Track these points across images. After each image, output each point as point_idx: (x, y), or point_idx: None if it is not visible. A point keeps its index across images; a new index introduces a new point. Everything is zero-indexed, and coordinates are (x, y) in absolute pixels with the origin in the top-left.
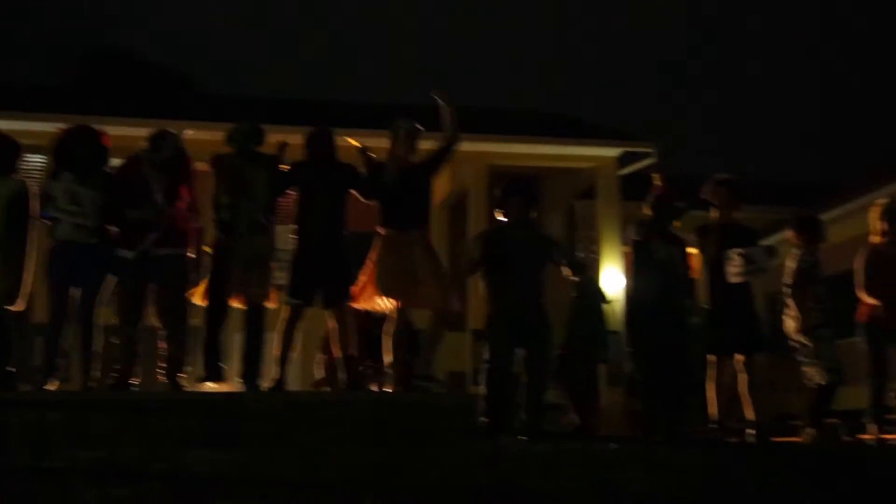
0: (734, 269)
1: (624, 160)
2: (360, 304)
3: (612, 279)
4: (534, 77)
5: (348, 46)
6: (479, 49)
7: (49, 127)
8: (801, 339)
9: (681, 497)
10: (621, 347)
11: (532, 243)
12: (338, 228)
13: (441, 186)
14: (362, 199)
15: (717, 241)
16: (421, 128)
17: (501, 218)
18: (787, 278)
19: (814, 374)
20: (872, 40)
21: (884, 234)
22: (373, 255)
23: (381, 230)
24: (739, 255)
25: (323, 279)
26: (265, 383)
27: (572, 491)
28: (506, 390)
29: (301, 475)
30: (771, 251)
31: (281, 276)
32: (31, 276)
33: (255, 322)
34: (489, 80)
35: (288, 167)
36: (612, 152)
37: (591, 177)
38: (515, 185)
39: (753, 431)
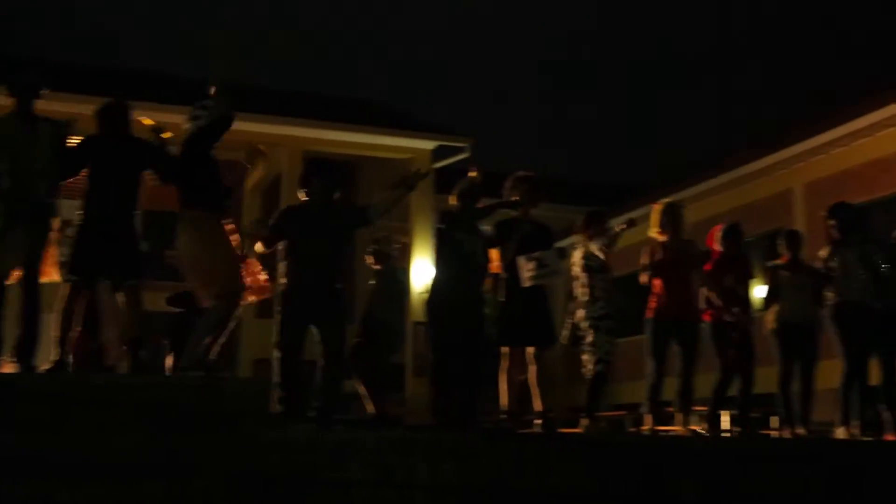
0: (527, 272)
1: (439, 153)
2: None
3: (423, 270)
4: (354, 63)
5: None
6: (301, 32)
7: None
8: (585, 329)
9: (469, 484)
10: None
11: (331, 225)
12: (129, 207)
13: (255, 171)
14: (160, 180)
15: (514, 239)
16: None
17: (304, 198)
18: (576, 269)
19: (588, 364)
20: (679, 48)
21: (664, 232)
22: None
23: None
24: (531, 258)
25: (110, 258)
26: (43, 365)
27: (361, 479)
28: (297, 374)
29: (82, 460)
30: (562, 253)
31: (64, 253)
32: None
33: (30, 298)
34: (309, 64)
35: (77, 141)
36: (427, 145)
37: (406, 168)
38: (317, 166)
39: (540, 421)
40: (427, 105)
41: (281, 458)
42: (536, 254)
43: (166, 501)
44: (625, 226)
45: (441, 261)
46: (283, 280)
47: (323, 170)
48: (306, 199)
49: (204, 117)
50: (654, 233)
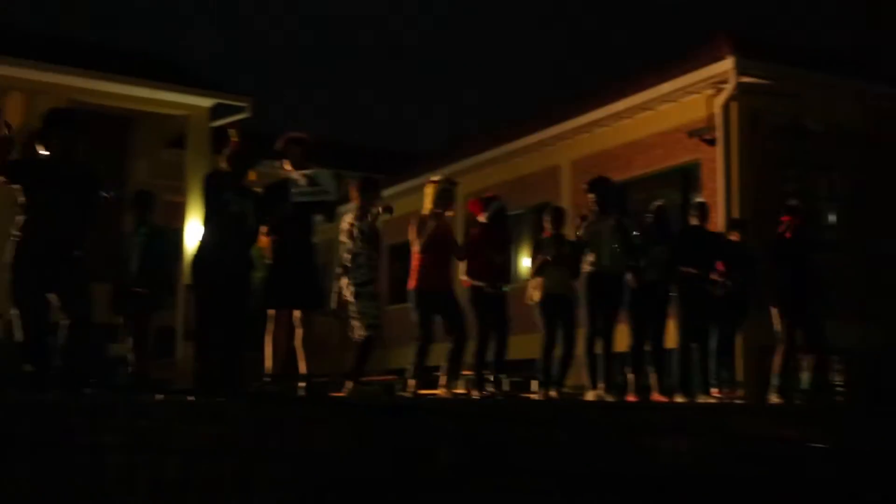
0: (296, 189)
1: (218, 112)
2: None
3: (195, 232)
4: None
5: None
6: None
7: None
8: (349, 295)
9: (226, 447)
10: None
11: (72, 181)
12: None
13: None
14: None
15: (283, 199)
16: None
17: (44, 152)
18: (343, 235)
19: (357, 329)
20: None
21: (434, 204)
22: None
23: None
24: (305, 175)
25: None
26: None
27: (116, 442)
28: (41, 334)
29: None
30: (338, 176)
31: None
32: None
33: None
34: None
35: None
36: (205, 102)
37: (182, 125)
38: (59, 115)
39: (304, 384)
40: (218, 67)
41: (30, 421)
42: (310, 171)
43: None
44: (381, 211)
45: (208, 222)
46: (16, 232)
47: (66, 119)
48: (45, 152)
49: None
50: (426, 209)
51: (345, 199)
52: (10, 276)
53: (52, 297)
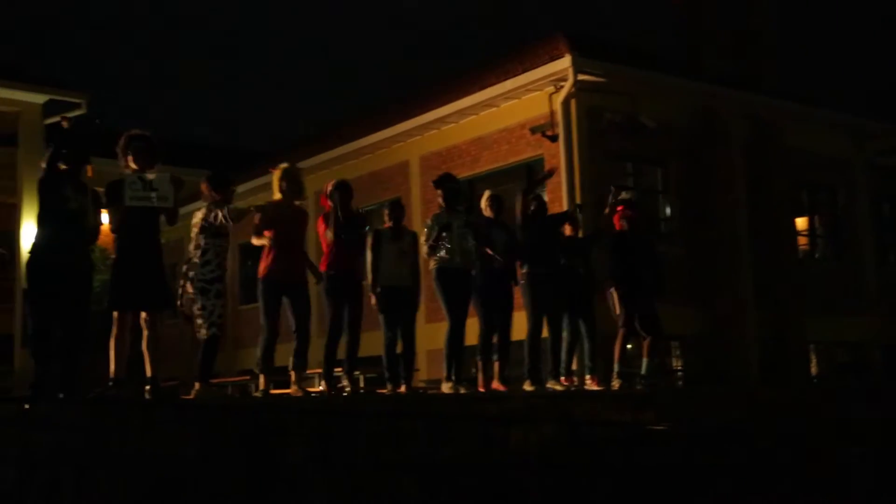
0: (131, 193)
1: (51, 109)
2: None
3: (31, 232)
4: None
5: None
6: None
7: None
8: (193, 291)
9: (65, 453)
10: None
11: None
12: None
13: None
14: None
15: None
16: None
17: None
18: (193, 231)
19: (200, 328)
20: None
21: (282, 192)
22: None
23: None
24: (141, 179)
25: None
26: None
27: None
28: None
29: None
30: (178, 181)
31: None
32: None
33: None
34: None
35: None
36: (38, 98)
37: (13, 122)
38: None
39: (149, 387)
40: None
41: None
42: (150, 175)
43: None
44: (251, 210)
45: (44, 220)
46: None
47: None
48: None
49: None
50: (275, 196)
51: (188, 200)
52: None
53: None
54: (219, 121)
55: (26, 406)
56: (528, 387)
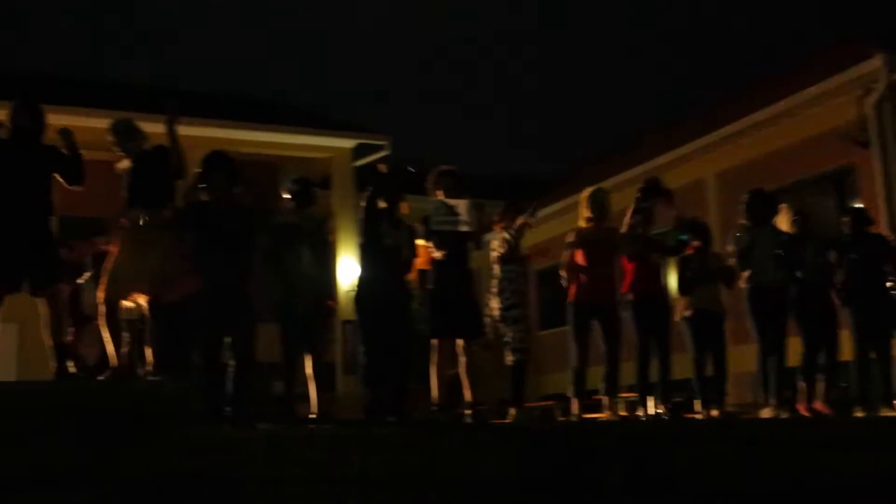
0: (436, 218)
1: (359, 152)
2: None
3: (348, 268)
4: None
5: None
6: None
7: None
8: (496, 319)
9: (400, 475)
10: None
11: (234, 220)
12: (42, 212)
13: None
14: (67, 185)
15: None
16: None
17: (204, 197)
18: (492, 259)
19: (508, 355)
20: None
21: (588, 219)
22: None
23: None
24: (445, 205)
25: (27, 265)
26: None
27: (295, 474)
28: (217, 376)
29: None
30: (479, 206)
31: None
32: None
33: None
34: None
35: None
36: (347, 143)
37: (327, 166)
38: (216, 158)
39: (470, 412)
40: (349, 107)
41: (209, 457)
42: (452, 201)
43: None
44: (526, 219)
45: (365, 256)
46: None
47: (223, 163)
48: (206, 195)
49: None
50: (581, 221)
51: (488, 228)
52: (194, 324)
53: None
54: (491, 150)
55: (361, 429)
56: (858, 412)
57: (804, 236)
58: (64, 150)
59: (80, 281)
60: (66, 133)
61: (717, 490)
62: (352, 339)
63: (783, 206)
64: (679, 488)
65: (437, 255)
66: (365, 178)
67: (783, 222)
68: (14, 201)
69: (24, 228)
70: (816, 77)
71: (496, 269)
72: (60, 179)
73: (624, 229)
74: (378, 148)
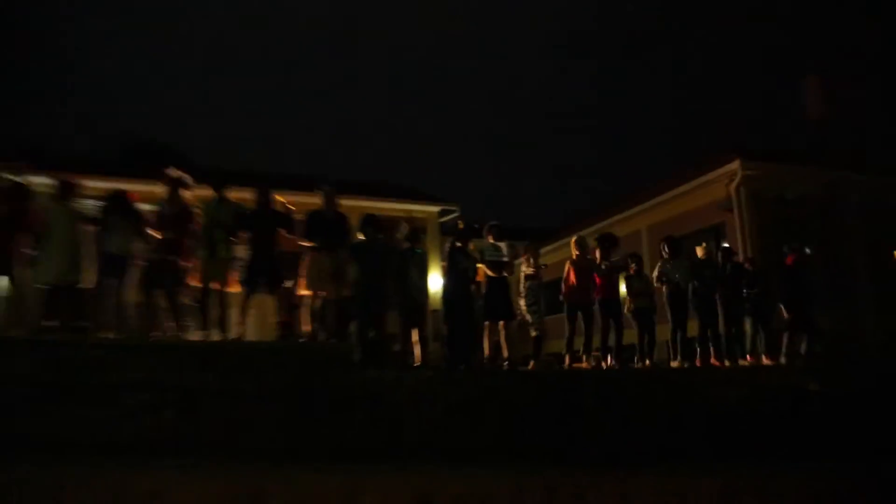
0: (488, 255)
1: (442, 213)
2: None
3: (436, 280)
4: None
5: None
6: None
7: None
8: (524, 312)
9: (468, 401)
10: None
11: (378, 252)
12: (273, 248)
13: None
14: (287, 234)
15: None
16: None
17: (362, 238)
18: (521, 282)
19: (531, 331)
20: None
21: (576, 254)
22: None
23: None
24: (497, 246)
25: (266, 274)
26: (232, 335)
27: (405, 399)
28: (366, 341)
29: (254, 388)
30: (512, 246)
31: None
32: None
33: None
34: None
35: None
36: (434, 208)
37: (423, 222)
38: (370, 219)
39: (506, 363)
40: (424, 178)
41: (361, 388)
42: (498, 243)
43: (288, 418)
44: (545, 266)
45: (449, 274)
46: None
47: (371, 221)
48: (363, 237)
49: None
50: (573, 254)
51: (517, 257)
52: (356, 309)
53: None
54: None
55: (446, 373)
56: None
57: (707, 262)
58: (290, 214)
59: (287, 285)
60: (284, 204)
61: (647, 410)
62: (438, 322)
63: (701, 245)
64: (625, 409)
65: (490, 273)
66: (446, 230)
67: (700, 252)
68: (262, 242)
69: (267, 256)
70: (703, 172)
71: (523, 282)
72: (281, 230)
73: (598, 261)
74: (453, 210)
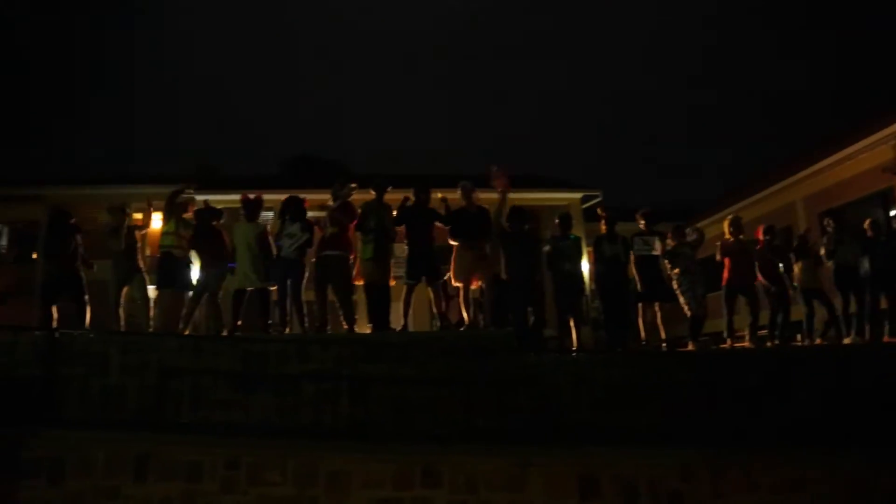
0: (637, 246)
1: (584, 199)
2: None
3: (585, 266)
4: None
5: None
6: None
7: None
8: (679, 291)
9: (631, 383)
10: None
11: (527, 244)
12: (430, 242)
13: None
14: (442, 227)
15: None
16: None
17: (506, 231)
18: (666, 260)
19: (687, 310)
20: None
21: (731, 233)
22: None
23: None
24: (644, 239)
25: (425, 269)
26: (396, 328)
27: (564, 381)
28: (525, 325)
29: (420, 375)
30: (661, 235)
31: (400, 270)
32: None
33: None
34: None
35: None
36: (577, 196)
37: (567, 208)
38: (513, 211)
39: (664, 345)
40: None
41: (519, 369)
42: (646, 236)
43: (452, 403)
44: (696, 236)
45: (596, 259)
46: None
47: (516, 212)
48: (510, 228)
49: None
50: (727, 234)
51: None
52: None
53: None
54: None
55: (599, 354)
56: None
57: (876, 238)
58: (441, 211)
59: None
60: (444, 200)
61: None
62: (589, 305)
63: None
64: (789, 389)
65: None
66: (588, 215)
67: (868, 228)
68: (420, 237)
69: (425, 251)
70: (865, 133)
71: (669, 263)
72: (439, 225)
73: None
74: (595, 197)
